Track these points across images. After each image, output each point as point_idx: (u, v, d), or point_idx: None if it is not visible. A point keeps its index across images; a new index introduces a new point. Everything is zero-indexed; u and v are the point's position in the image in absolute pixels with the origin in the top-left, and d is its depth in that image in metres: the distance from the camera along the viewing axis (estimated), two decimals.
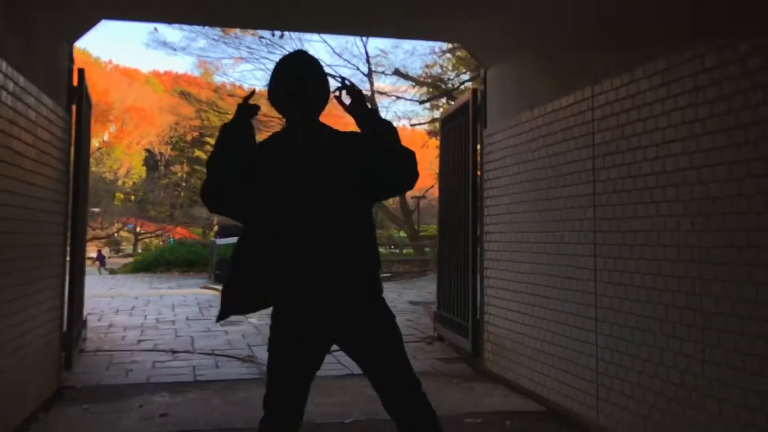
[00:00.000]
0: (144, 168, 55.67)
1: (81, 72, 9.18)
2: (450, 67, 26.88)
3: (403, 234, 43.49)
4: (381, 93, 29.17)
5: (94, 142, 45.48)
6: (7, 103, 6.19)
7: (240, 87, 41.69)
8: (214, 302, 18.69)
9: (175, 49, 41.83)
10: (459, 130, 10.84)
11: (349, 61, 28.47)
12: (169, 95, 56.62)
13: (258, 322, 14.48)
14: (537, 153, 8.32)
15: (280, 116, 4.32)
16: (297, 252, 4.01)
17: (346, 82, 4.39)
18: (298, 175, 4.02)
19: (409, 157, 4.09)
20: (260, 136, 4.16)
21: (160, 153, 56.46)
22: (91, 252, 34.86)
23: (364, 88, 28.96)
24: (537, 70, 8.66)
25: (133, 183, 53.21)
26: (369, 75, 27.97)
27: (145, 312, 16.61)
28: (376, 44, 55.39)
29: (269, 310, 4.19)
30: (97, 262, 39.65)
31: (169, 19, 12.93)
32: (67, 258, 9.01)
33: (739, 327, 5.11)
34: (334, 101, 4.30)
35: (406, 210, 37.80)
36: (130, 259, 36.51)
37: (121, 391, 8.69)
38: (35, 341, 7.40)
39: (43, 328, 7.77)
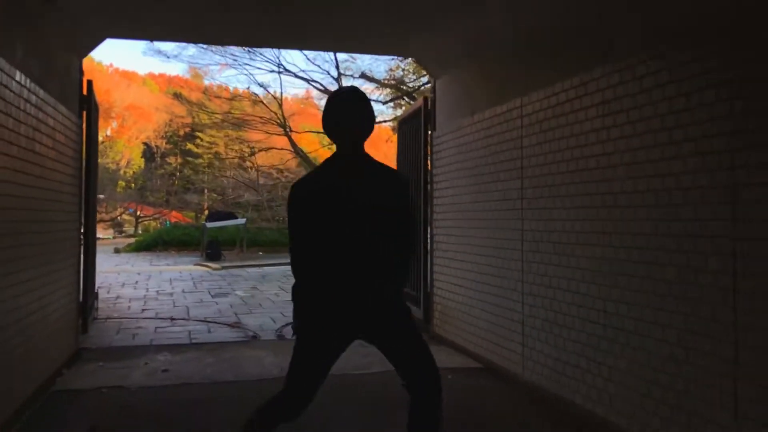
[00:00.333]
0: (143, 159, 55.10)
1: (90, 83, 9.21)
2: (411, 71, 26.94)
3: None
4: None
5: (99, 137, 45.25)
6: (31, 113, 6.31)
7: (226, 89, 41.64)
8: (206, 277, 18.91)
9: (168, 57, 41.73)
10: (413, 132, 10.84)
11: (320, 66, 28.46)
12: (164, 95, 56.09)
13: (243, 294, 14.72)
14: (476, 153, 8.42)
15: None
16: (345, 269, 4.04)
17: None
18: (351, 204, 4.01)
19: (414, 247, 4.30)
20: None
21: (157, 146, 55.92)
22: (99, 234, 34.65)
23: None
24: (477, 82, 8.70)
25: (133, 172, 52.67)
26: (338, 78, 27.84)
27: (147, 285, 16.70)
28: None
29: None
30: None
31: (162, 37, 13.07)
32: (81, 239, 9.14)
33: (630, 296, 5.37)
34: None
35: None
36: (132, 240, 36.38)
37: (129, 351, 8.86)
38: (58, 310, 7.56)
39: (64, 299, 7.91)
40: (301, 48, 21.13)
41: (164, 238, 32.01)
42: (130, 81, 66.43)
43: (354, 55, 26.46)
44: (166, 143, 55.90)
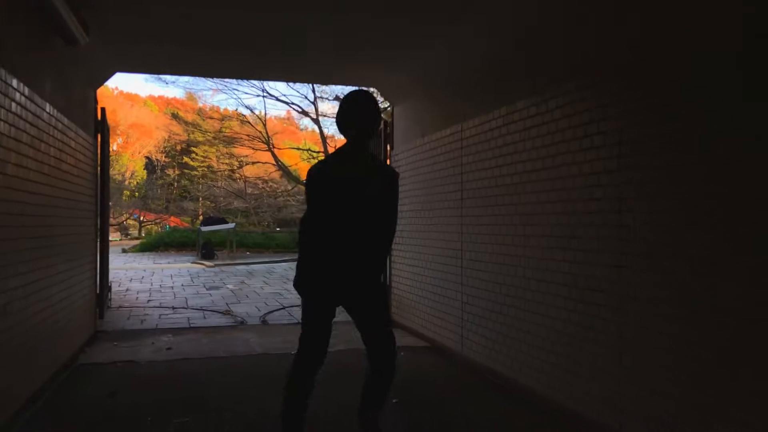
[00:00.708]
0: (145, 171, 54.56)
1: (103, 110, 9.43)
2: (379, 94, 27.04)
3: None
4: (324, 116, 29.22)
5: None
6: (58, 137, 6.61)
7: (217, 109, 41.59)
8: (201, 273, 18.89)
9: (167, 83, 41.61)
10: (375, 149, 10.76)
11: (299, 91, 28.38)
12: (163, 115, 55.74)
13: (233, 287, 14.82)
14: (426, 168, 8.71)
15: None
16: (341, 248, 4.20)
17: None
18: (351, 190, 4.20)
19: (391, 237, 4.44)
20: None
21: (157, 160, 55.44)
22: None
23: (311, 111, 28.89)
24: (426, 109, 8.95)
25: (137, 183, 52.15)
26: (314, 101, 28.03)
27: (151, 280, 16.75)
28: None
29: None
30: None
31: (164, 71, 13.40)
32: (98, 240, 9.38)
33: (545, 287, 5.74)
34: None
35: None
36: (137, 241, 36.21)
37: (138, 333, 9.13)
38: (80, 299, 7.85)
39: (85, 289, 8.20)
40: (281, 80, 21.32)
41: (165, 240, 31.72)
42: (133, 102, 65.87)
43: None
44: (165, 157, 55.36)
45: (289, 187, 34.20)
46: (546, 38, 5.92)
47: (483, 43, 7.14)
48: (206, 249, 25.29)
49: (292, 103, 30.06)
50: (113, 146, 52.52)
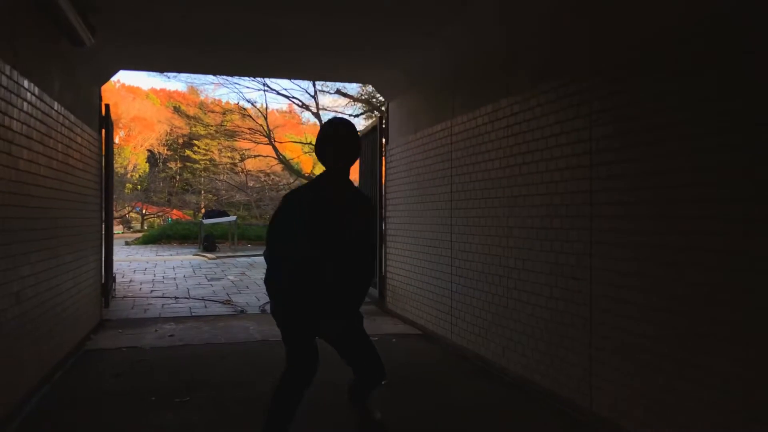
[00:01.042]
0: (147, 164, 54.69)
1: (107, 106, 9.76)
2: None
3: None
4: (324, 109, 29.49)
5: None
6: (65, 134, 6.99)
7: (219, 102, 41.87)
8: (203, 265, 19.17)
9: (168, 77, 41.89)
10: (372, 144, 11.38)
11: (299, 85, 28.70)
12: (165, 108, 55.96)
13: (234, 279, 15.12)
14: (418, 162, 9.05)
15: None
16: (312, 275, 4.04)
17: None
18: (328, 219, 4.05)
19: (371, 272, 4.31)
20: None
21: (159, 153, 55.59)
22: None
23: (312, 105, 29.11)
24: (419, 106, 9.24)
25: (139, 176, 52.25)
26: (315, 95, 28.29)
27: (154, 272, 17.06)
28: None
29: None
30: None
31: (166, 69, 13.67)
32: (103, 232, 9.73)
33: (526, 275, 6.11)
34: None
35: None
36: (140, 234, 36.52)
37: (142, 321, 9.50)
38: (86, 288, 8.23)
39: (91, 279, 8.59)
40: (282, 77, 21.59)
41: (167, 233, 32.04)
42: (135, 95, 65.94)
43: None
44: (167, 150, 55.50)
45: (291, 180, 34.48)
46: (525, 42, 6.27)
47: (470, 43, 7.47)
48: (208, 241, 25.55)
49: (293, 97, 30.42)
50: (115, 139, 52.66)
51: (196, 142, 45.67)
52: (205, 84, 46.27)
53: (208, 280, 15.12)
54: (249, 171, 39.99)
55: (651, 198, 4.47)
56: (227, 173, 42.20)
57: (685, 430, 4.13)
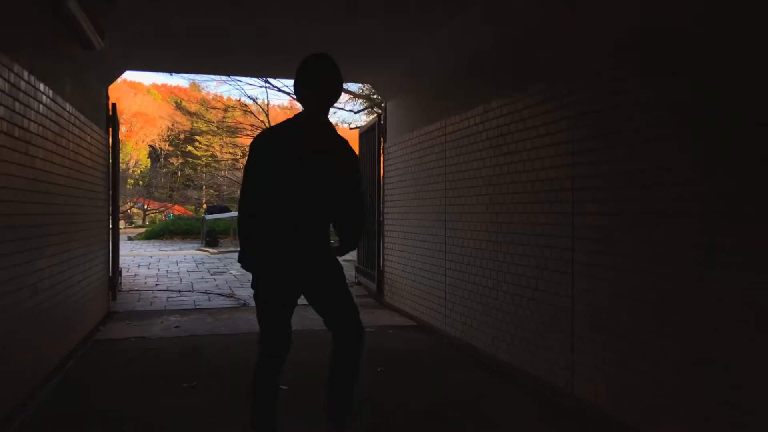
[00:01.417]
0: (148, 160, 54.95)
1: (114, 105, 10.11)
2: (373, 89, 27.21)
3: None
4: None
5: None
6: (76, 133, 7.35)
7: (221, 98, 42.11)
8: (205, 260, 19.46)
9: (171, 74, 42.07)
10: (370, 141, 11.72)
11: None
12: (166, 103, 56.24)
13: (236, 273, 15.46)
14: (415, 160, 9.37)
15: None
16: (282, 222, 3.87)
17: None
18: (297, 164, 3.85)
19: (362, 221, 4.15)
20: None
21: (161, 148, 55.85)
22: None
23: None
24: (416, 106, 9.57)
25: (141, 171, 52.47)
26: None
27: (158, 266, 17.37)
28: None
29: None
30: None
31: (171, 70, 14.05)
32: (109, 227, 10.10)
33: (513, 268, 6.46)
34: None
35: None
36: (142, 229, 36.78)
37: (148, 314, 9.88)
38: (95, 281, 8.59)
39: (99, 273, 8.95)
40: (283, 78, 21.81)
41: (170, 228, 32.31)
42: (136, 91, 66.11)
43: None
44: (168, 146, 55.75)
45: None
46: (513, 46, 6.61)
47: (463, 45, 7.81)
48: (210, 236, 25.84)
49: (294, 93, 30.58)
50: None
51: (197, 137, 45.93)
52: (207, 81, 46.47)
53: (211, 274, 15.45)
54: None
55: (628, 196, 4.83)
56: (229, 170, 42.50)
57: (657, 412, 4.50)
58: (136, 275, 15.04)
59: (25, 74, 5.41)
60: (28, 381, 5.52)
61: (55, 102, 6.41)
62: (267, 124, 31.31)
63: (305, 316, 6.18)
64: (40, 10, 5.98)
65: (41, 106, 5.90)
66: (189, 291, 12.49)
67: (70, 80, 7.23)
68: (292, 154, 3.87)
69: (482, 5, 7.02)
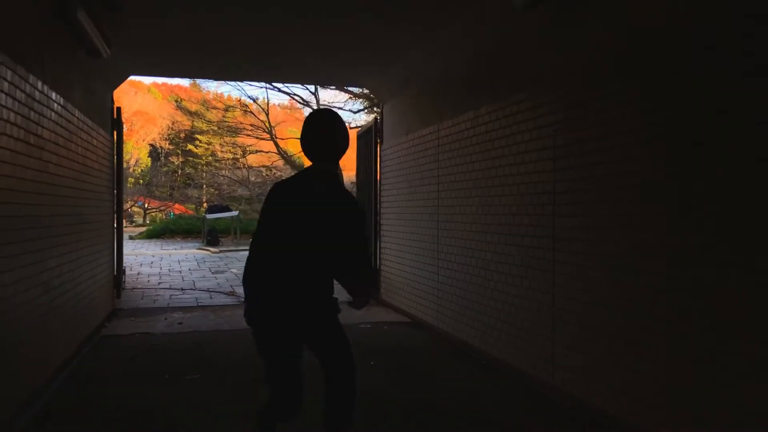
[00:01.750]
0: (149, 159, 55.06)
1: (118, 109, 10.45)
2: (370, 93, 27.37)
3: None
4: (325, 104, 29.88)
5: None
6: (84, 138, 7.71)
7: (221, 96, 42.27)
8: (206, 259, 19.80)
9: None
10: (368, 143, 11.98)
11: None
12: (167, 102, 56.37)
13: (237, 271, 15.79)
14: (409, 163, 9.70)
15: None
16: (278, 275, 3.72)
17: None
18: (298, 216, 3.73)
19: (368, 276, 3.90)
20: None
21: (161, 147, 55.89)
22: None
23: (312, 101, 29.69)
24: (411, 110, 9.87)
25: (141, 170, 52.56)
26: (315, 92, 28.78)
27: (160, 265, 17.74)
28: None
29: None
30: None
31: (173, 75, 14.36)
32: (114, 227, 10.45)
33: (500, 267, 6.80)
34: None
35: None
36: (143, 228, 36.98)
37: (152, 311, 10.28)
38: (101, 280, 8.98)
39: (105, 272, 9.32)
40: (283, 82, 22.11)
41: (171, 227, 32.62)
42: (137, 89, 66.18)
43: None
44: (169, 144, 55.78)
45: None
46: (501, 55, 6.95)
47: (453, 54, 8.16)
48: (211, 236, 26.16)
49: (294, 94, 30.91)
50: None
51: (198, 136, 46.06)
52: (208, 80, 46.55)
53: (213, 273, 15.78)
54: (251, 166, 40.53)
55: (602, 198, 5.18)
56: (229, 169, 42.73)
57: (627, 399, 4.87)
58: (139, 274, 15.38)
59: (39, 84, 5.77)
60: (42, 372, 5.89)
61: (65, 109, 6.76)
62: (267, 124, 31.64)
63: None
64: (51, 22, 6.33)
65: (53, 113, 6.26)
66: (191, 289, 12.83)
67: (79, 87, 7.59)
68: (292, 208, 3.81)
69: (463, 21, 7.39)
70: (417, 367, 7.01)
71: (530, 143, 6.30)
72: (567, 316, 5.63)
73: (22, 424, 5.07)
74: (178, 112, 43.34)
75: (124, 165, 47.86)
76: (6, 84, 4.83)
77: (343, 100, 34.69)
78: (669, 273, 4.43)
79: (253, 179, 40.47)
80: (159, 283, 13.66)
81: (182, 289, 12.75)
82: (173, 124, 51.73)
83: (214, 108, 38.68)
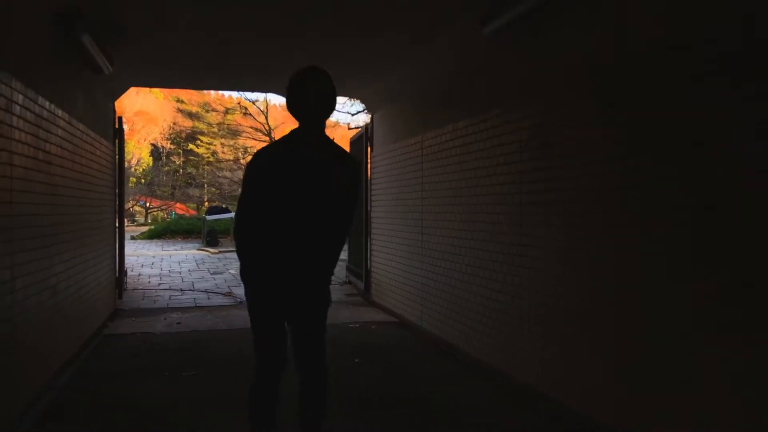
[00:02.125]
0: (150, 158, 55.32)
1: (120, 119, 10.91)
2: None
3: None
4: None
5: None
6: (87, 148, 8.14)
7: (221, 96, 42.50)
8: (206, 259, 20.14)
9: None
10: (360, 149, 12.31)
11: None
12: (168, 102, 56.68)
13: (235, 272, 16.12)
14: (397, 170, 10.09)
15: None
16: (285, 243, 3.68)
17: None
18: (301, 181, 3.65)
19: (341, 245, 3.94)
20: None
21: (162, 147, 56.16)
22: None
23: None
24: (398, 120, 10.24)
25: (143, 169, 52.78)
26: None
27: (160, 266, 18.08)
28: None
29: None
30: None
31: (173, 86, 14.74)
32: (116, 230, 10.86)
33: (481, 271, 7.20)
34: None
35: None
36: (144, 228, 37.29)
37: (152, 311, 10.67)
38: (104, 282, 9.41)
39: (107, 273, 9.75)
40: (279, 94, 22.43)
41: (172, 228, 33.01)
42: (138, 90, 66.48)
43: None
44: (170, 144, 56.01)
45: None
46: (478, 72, 7.37)
47: (435, 68, 8.57)
48: (211, 236, 26.51)
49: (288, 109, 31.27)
50: None
51: (200, 136, 46.27)
52: None
53: (211, 274, 16.14)
54: None
55: (562, 210, 5.62)
56: (230, 169, 43.07)
57: (593, 396, 5.33)
58: (140, 275, 15.76)
59: (47, 104, 6.23)
60: (49, 369, 6.36)
61: (70, 124, 7.22)
62: (266, 126, 32.04)
63: None
64: (57, 45, 6.77)
65: (59, 129, 6.72)
66: (190, 290, 13.21)
67: (82, 102, 8.02)
68: (298, 172, 3.66)
69: (444, 37, 7.80)
70: (402, 366, 7.39)
71: (500, 157, 6.71)
72: (538, 317, 6.03)
73: (34, 415, 5.51)
74: (179, 116, 43.58)
75: (126, 165, 48.46)
76: (18, 108, 5.29)
77: (342, 101, 35.00)
78: (626, 276, 4.88)
79: None
80: (159, 284, 14.01)
81: (181, 290, 13.11)
82: (174, 124, 52.03)
83: (214, 110, 38.99)
